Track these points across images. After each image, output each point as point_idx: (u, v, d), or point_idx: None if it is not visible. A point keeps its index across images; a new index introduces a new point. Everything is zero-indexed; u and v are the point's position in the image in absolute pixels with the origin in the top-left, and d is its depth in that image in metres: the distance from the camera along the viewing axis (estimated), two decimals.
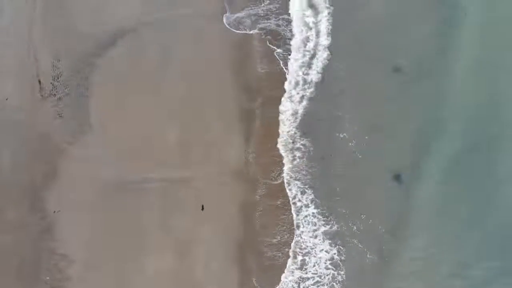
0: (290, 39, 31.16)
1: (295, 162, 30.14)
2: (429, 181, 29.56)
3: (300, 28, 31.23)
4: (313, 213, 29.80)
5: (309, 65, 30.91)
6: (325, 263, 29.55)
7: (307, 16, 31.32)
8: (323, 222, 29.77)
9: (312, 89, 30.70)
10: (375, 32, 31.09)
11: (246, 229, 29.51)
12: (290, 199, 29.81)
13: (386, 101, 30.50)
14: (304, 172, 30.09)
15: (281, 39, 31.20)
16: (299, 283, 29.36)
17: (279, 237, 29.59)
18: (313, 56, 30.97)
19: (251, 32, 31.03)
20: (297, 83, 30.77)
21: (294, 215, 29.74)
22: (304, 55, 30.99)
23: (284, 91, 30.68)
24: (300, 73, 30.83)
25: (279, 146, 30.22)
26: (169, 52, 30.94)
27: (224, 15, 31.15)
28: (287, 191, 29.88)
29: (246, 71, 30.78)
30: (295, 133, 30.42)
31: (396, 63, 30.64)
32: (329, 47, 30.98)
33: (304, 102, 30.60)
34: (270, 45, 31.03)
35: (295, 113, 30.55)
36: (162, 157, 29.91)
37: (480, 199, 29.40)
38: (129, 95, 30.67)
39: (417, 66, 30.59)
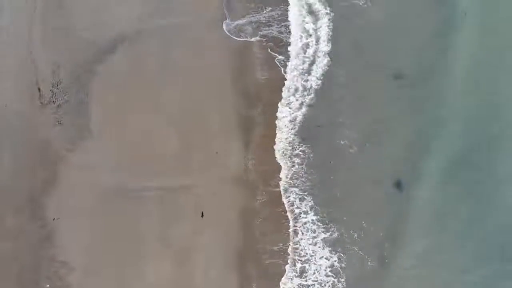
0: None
1: (294, 169, 30.10)
2: (430, 187, 29.41)
3: (299, 34, 31.18)
4: (312, 220, 29.72)
5: (308, 72, 30.87)
6: (325, 270, 29.46)
7: (307, 23, 31.27)
8: (323, 229, 29.69)
9: (311, 95, 30.65)
10: (375, 38, 31.01)
11: (246, 236, 29.40)
12: (287, 206, 29.70)
13: (387, 108, 30.38)
14: (303, 179, 30.03)
15: (283, 45, 31.13)
16: None
17: (279, 244, 29.46)
18: (312, 63, 30.92)
19: (252, 39, 30.99)
20: (296, 89, 30.72)
21: (292, 222, 29.62)
22: (303, 62, 30.94)
23: (285, 97, 30.61)
24: (300, 80, 30.78)
25: (276, 152, 30.14)
26: (169, 59, 30.91)
27: (224, 22, 31.12)
28: (284, 198, 29.75)
29: (246, 78, 30.71)
30: (293, 139, 30.37)
31: (396, 69, 30.55)
32: (329, 53, 30.95)
33: (304, 109, 30.55)
34: (272, 52, 30.98)
35: (293, 120, 30.51)
36: (162, 164, 29.86)
37: (481, 205, 29.25)
38: (128, 101, 30.64)
39: (418, 72, 30.45)
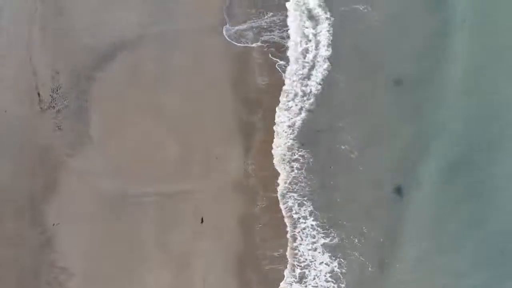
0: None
1: (293, 174, 30.06)
2: (430, 192, 29.39)
3: (299, 39, 31.11)
4: (312, 225, 29.68)
5: (308, 76, 30.81)
6: (325, 276, 29.47)
7: (307, 27, 31.21)
8: (323, 235, 29.66)
9: (311, 100, 30.60)
10: (375, 43, 30.90)
11: (246, 241, 29.41)
12: (284, 212, 29.71)
13: (387, 113, 30.32)
14: (302, 184, 29.99)
15: (285, 51, 30.99)
16: None
17: (280, 250, 29.48)
18: (312, 67, 30.85)
19: (253, 45, 30.91)
20: (295, 94, 30.65)
21: (290, 227, 29.59)
22: (303, 66, 30.88)
23: (284, 102, 30.55)
24: (299, 84, 30.72)
25: (274, 158, 30.09)
26: (168, 65, 30.83)
27: (224, 27, 31.03)
28: (281, 204, 29.75)
29: (246, 84, 30.60)
30: (292, 144, 30.32)
31: (396, 74, 30.49)
32: (329, 58, 30.87)
33: (303, 114, 30.50)
34: (273, 58, 30.88)
35: (292, 125, 30.45)
36: (162, 170, 29.84)
37: (481, 208, 29.28)
38: (128, 107, 30.59)
39: (418, 77, 30.34)
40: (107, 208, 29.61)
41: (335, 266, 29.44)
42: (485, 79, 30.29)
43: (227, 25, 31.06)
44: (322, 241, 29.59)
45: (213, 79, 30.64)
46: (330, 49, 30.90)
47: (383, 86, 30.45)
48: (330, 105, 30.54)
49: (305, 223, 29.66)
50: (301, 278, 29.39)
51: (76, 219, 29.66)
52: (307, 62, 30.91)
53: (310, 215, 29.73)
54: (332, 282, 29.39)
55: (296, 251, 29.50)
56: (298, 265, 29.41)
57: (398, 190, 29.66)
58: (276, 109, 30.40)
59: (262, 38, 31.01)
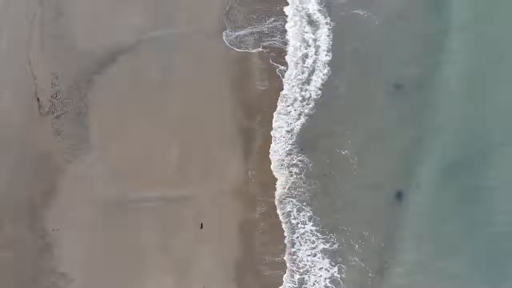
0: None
1: (292, 179, 30.00)
2: (431, 198, 29.30)
3: (298, 44, 31.08)
4: (311, 230, 29.60)
5: (308, 81, 30.77)
6: (325, 281, 29.37)
7: (306, 32, 31.17)
8: (322, 240, 29.57)
9: (311, 105, 30.55)
10: (375, 48, 30.89)
11: (245, 247, 29.34)
12: (281, 217, 29.62)
13: (387, 118, 30.28)
14: (301, 189, 29.92)
15: (285, 56, 30.94)
16: None
17: (279, 255, 29.41)
18: (312, 72, 30.81)
19: (253, 50, 30.85)
20: (295, 99, 30.60)
21: (288, 233, 29.49)
22: (303, 71, 30.83)
23: (284, 107, 30.52)
24: (298, 89, 30.68)
25: (272, 163, 30.01)
26: (168, 70, 30.87)
27: (224, 32, 31.01)
28: (278, 210, 29.64)
29: (246, 89, 30.60)
30: (291, 149, 30.27)
31: (397, 79, 30.50)
32: (329, 63, 30.84)
33: (303, 119, 30.46)
34: (274, 63, 30.84)
35: (291, 130, 30.41)
36: (162, 175, 29.85)
37: (480, 212, 29.16)
38: (128, 112, 30.66)
39: (418, 82, 30.31)
40: (106, 214, 29.63)
41: (335, 272, 29.32)
42: (484, 83, 30.26)
43: (227, 31, 31.02)
44: (322, 246, 29.49)
45: (213, 85, 30.64)
46: (330, 54, 30.88)
47: (383, 90, 30.39)
48: (330, 110, 30.49)
49: (304, 228, 29.58)
50: (301, 284, 29.28)
51: (75, 224, 29.70)
52: (307, 67, 30.87)
53: (309, 220, 29.65)
54: (332, 287, 29.30)
55: (295, 256, 29.40)
56: (297, 271, 29.32)
57: (398, 195, 29.57)
58: (274, 114, 30.36)
59: (263, 43, 30.95)
